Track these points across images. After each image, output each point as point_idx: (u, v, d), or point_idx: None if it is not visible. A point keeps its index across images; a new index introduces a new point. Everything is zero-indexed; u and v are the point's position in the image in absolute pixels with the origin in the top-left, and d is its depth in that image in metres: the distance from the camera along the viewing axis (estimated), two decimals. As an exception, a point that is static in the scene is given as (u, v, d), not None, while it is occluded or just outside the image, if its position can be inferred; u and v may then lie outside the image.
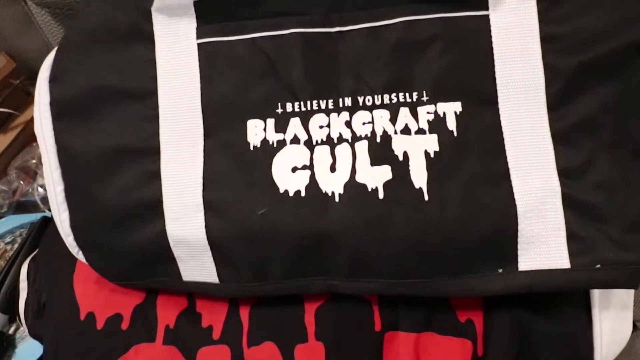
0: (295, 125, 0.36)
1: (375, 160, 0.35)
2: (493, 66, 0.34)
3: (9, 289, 0.51)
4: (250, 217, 0.35)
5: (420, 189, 0.34)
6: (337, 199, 0.34)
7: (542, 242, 0.33)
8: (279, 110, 0.36)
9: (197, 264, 0.38)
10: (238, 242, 0.36)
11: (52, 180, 0.39)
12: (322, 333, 0.38)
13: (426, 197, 0.34)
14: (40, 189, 0.65)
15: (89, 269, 0.42)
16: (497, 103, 0.34)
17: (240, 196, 0.35)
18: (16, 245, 0.57)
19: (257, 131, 0.36)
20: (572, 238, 0.33)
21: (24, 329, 0.48)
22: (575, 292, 0.38)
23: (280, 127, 0.36)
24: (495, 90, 0.34)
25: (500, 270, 0.34)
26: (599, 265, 0.33)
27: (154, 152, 0.37)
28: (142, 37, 0.37)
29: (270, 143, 0.36)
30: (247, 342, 0.39)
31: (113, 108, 0.37)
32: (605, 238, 0.33)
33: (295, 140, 0.35)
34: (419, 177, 0.34)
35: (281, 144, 0.35)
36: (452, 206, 0.33)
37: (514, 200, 0.33)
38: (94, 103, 0.37)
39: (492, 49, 0.34)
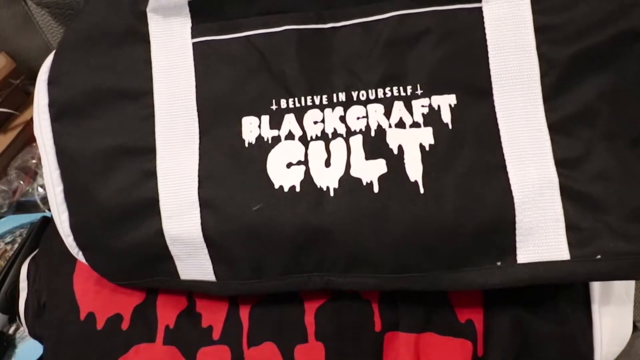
0: (289, 122, 0.36)
1: (369, 154, 0.35)
2: (487, 58, 0.34)
3: (9, 289, 0.51)
4: (245, 213, 0.35)
5: (416, 182, 0.34)
6: (332, 194, 0.34)
7: (541, 233, 0.33)
8: (274, 107, 0.36)
9: (193, 262, 0.38)
10: (234, 239, 0.36)
11: (51, 181, 0.39)
12: (322, 333, 0.38)
13: (422, 190, 0.33)
14: (40, 189, 0.65)
15: (89, 269, 0.42)
16: (492, 95, 0.34)
17: (235, 193, 0.35)
18: (16, 245, 0.57)
19: (252, 128, 0.36)
20: (572, 229, 0.33)
21: (24, 329, 0.48)
22: (575, 292, 0.38)
23: (275, 123, 0.36)
24: (490, 82, 0.34)
25: (499, 263, 0.34)
26: (599, 256, 0.32)
27: (150, 151, 0.37)
28: (137, 37, 0.38)
29: (265, 139, 0.36)
30: (247, 342, 0.39)
31: (110, 108, 0.37)
32: (606, 228, 0.32)
33: (290, 136, 0.36)
34: (414, 170, 0.34)
35: (276, 140, 0.36)
36: (448, 199, 0.33)
37: (510, 191, 0.33)
38: (91, 104, 0.37)
39: (485, 41, 0.34)
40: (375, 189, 0.34)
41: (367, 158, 0.34)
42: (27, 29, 0.63)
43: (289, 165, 0.35)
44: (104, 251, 0.40)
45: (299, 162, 0.35)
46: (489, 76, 0.34)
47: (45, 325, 0.44)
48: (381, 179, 0.34)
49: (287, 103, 0.36)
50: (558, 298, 0.38)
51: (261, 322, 0.39)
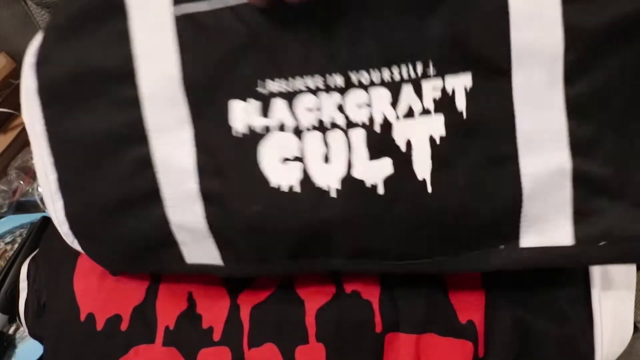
0: (280, 108, 0.32)
1: (374, 153, 0.32)
2: (508, 30, 0.30)
3: (9, 289, 0.51)
4: (247, 211, 0.34)
5: (424, 180, 0.32)
6: (333, 195, 0.33)
7: (547, 219, 0.32)
8: (261, 90, 0.32)
9: (199, 247, 0.37)
10: (239, 233, 0.35)
11: (44, 170, 0.37)
12: (323, 334, 0.38)
13: (429, 190, 0.32)
14: (40, 189, 0.65)
15: (89, 269, 0.42)
16: (509, 74, 0.30)
17: (234, 189, 0.34)
18: (16, 245, 0.57)
19: (240, 115, 0.33)
20: (578, 214, 0.31)
21: (24, 329, 0.48)
22: (576, 292, 0.38)
23: (264, 110, 0.32)
24: (509, 58, 0.30)
25: (502, 247, 0.33)
26: (604, 242, 0.32)
27: (142, 139, 0.34)
28: (117, 12, 0.34)
29: (255, 129, 0.33)
30: (248, 343, 0.39)
31: (98, 91, 0.34)
32: (613, 213, 0.31)
33: (281, 126, 0.32)
34: (423, 168, 0.32)
35: (266, 130, 0.32)
36: (456, 196, 0.32)
37: (519, 183, 0.31)
38: (80, 87, 0.35)
39: (507, 11, 0.30)
40: (380, 191, 0.32)
41: (371, 158, 0.32)
42: (27, 29, 0.63)
43: (284, 160, 0.33)
44: (102, 239, 0.38)
45: (295, 158, 0.33)
46: (509, 51, 0.30)
47: (45, 326, 0.44)
48: (387, 180, 0.32)
49: (276, 85, 0.32)
50: (559, 298, 0.38)
51: (262, 323, 0.39)
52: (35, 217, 0.61)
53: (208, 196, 0.34)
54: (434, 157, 0.31)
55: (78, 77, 0.35)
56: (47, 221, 0.54)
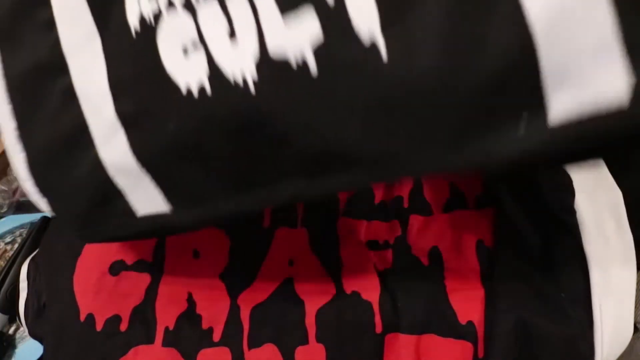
0: None
1: (288, 9, 0.22)
2: None
3: (9, 289, 0.51)
4: (165, 130, 0.28)
5: (373, 44, 0.21)
6: (252, 89, 0.24)
7: (582, 70, 0.19)
8: None
9: (142, 191, 0.31)
10: (168, 160, 0.29)
11: (4, 118, 0.34)
12: (323, 335, 0.38)
13: (384, 56, 0.21)
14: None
15: (89, 270, 0.42)
16: None
17: (147, 105, 0.28)
18: (16, 245, 0.57)
19: (133, 6, 0.26)
20: (632, 52, 0.18)
21: (24, 329, 0.48)
22: (576, 292, 0.38)
23: None
24: None
25: (522, 129, 0.21)
26: None
27: (62, 67, 0.30)
28: None
29: (148, 21, 0.26)
30: (248, 344, 0.39)
31: (23, 17, 0.30)
32: None
33: (171, 5, 0.25)
34: (367, 22, 0.21)
35: (158, 18, 0.25)
36: (427, 56, 0.21)
37: (521, 14, 0.19)
38: (12, 16, 0.31)
39: None
40: (313, 70, 0.22)
41: (283, 11, 0.22)
42: None
43: (185, 51, 0.25)
44: (59, 193, 0.34)
45: (195, 44, 0.25)
46: None
47: (45, 326, 0.44)
48: (318, 52, 0.22)
49: None
50: (559, 298, 0.38)
51: (262, 323, 0.39)
52: (35, 217, 0.61)
53: (126, 120, 0.29)
54: (382, 4, 0.21)
55: (12, 4, 0.31)
56: (47, 221, 0.54)
